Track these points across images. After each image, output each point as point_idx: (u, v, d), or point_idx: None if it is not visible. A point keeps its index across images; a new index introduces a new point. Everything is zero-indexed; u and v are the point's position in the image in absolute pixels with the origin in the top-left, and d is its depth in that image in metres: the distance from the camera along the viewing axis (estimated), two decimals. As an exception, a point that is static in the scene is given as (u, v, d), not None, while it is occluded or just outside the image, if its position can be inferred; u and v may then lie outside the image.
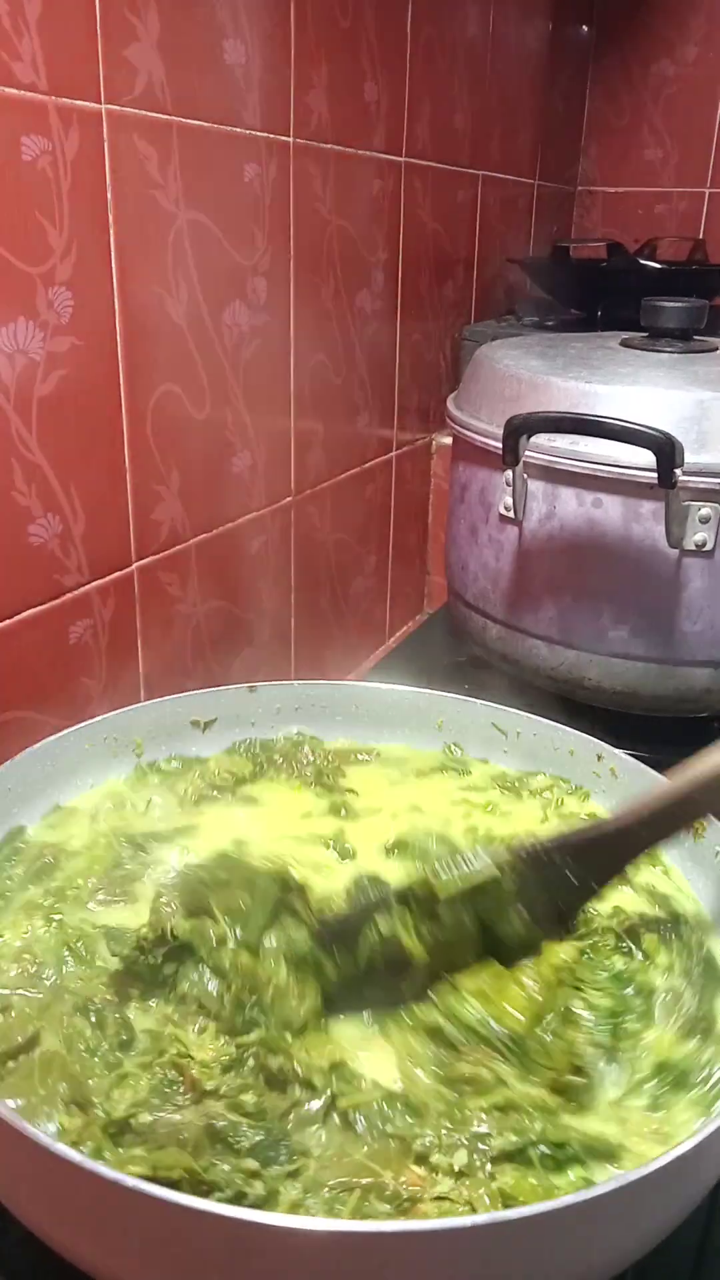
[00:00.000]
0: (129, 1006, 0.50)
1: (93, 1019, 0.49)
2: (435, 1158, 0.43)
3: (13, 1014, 0.49)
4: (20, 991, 0.51)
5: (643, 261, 1.26)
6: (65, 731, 0.65)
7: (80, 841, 0.63)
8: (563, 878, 0.54)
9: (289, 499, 1.00)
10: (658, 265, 1.26)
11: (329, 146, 0.95)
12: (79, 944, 0.54)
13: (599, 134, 1.61)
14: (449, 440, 1.05)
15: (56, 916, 0.56)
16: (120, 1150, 0.41)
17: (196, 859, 0.60)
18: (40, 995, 0.51)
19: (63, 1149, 0.36)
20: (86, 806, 0.66)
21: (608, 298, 1.27)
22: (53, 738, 0.64)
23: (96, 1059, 0.47)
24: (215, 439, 0.88)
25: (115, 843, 0.62)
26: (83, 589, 0.76)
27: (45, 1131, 0.41)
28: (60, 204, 0.67)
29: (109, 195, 0.71)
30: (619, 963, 0.54)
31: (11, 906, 0.57)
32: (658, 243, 1.42)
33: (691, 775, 0.53)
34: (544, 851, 0.54)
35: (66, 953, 0.53)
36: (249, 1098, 0.44)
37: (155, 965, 0.50)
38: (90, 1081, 0.45)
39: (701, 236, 1.52)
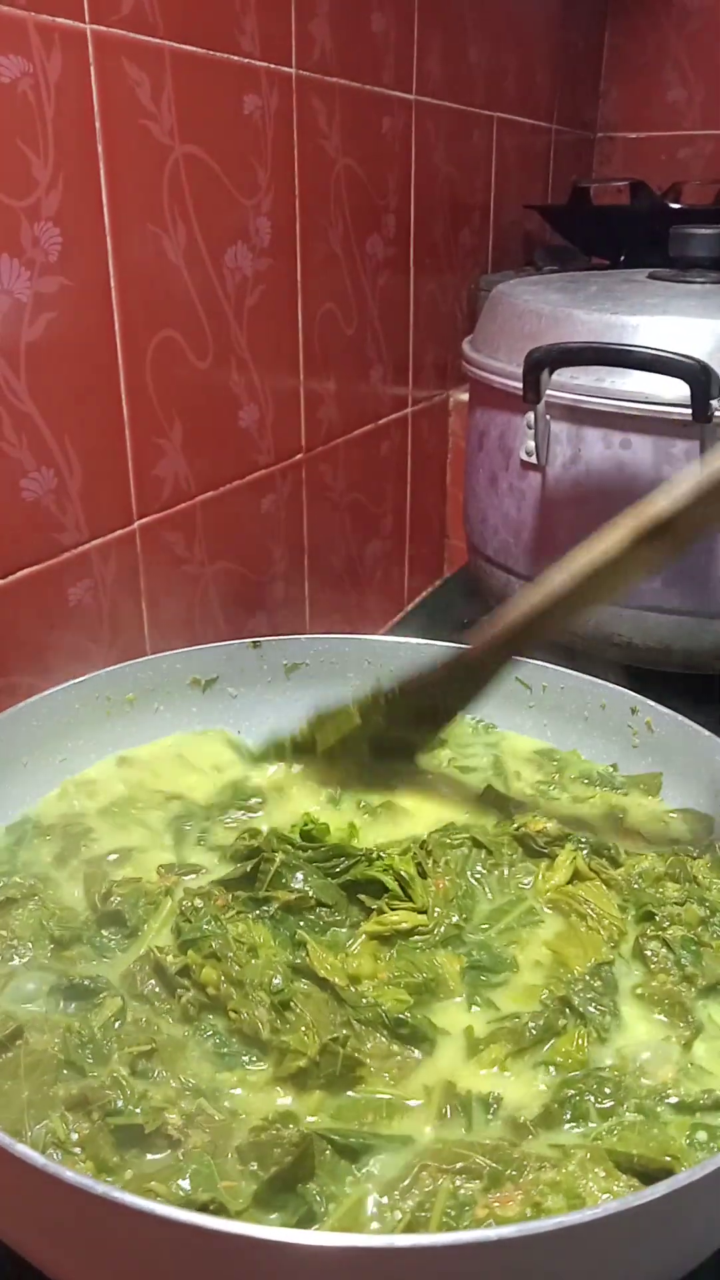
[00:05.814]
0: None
1: None
2: None
3: None
4: None
5: (669, 203, 1.20)
6: (51, 690, 0.61)
7: None
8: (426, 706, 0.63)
9: (300, 455, 0.96)
10: (684, 207, 1.20)
11: (334, 80, 0.90)
12: None
13: (619, 74, 1.54)
14: (467, 397, 1.00)
15: None
16: None
17: None
18: None
19: (39, 1159, 0.32)
20: None
21: (631, 243, 1.21)
22: (37, 697, 0.60)
23: None
24: (219, 390, 0.83)
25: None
26: (81, 548, 0.72)
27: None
28: (44, 132, 0.63)
29: (97, 124, 0.67)
30: None
31: None
32: (682, 187, 1.35)
33: (548, 588, 0.55)
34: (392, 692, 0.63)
35: None
36: None
37: None
38: None
39: (728, 179, 1.46)
